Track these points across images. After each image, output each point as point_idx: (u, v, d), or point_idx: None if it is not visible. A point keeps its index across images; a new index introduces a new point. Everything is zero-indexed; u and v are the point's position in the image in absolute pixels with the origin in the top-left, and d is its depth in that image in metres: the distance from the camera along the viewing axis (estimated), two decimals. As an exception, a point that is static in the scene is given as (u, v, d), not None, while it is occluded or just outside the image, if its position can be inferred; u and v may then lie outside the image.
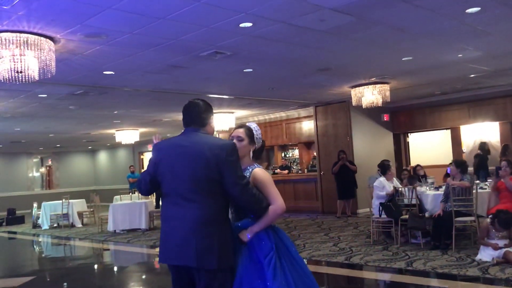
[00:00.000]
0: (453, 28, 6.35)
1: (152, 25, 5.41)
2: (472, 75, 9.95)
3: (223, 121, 12.83)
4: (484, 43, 7.30)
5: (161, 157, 2.87)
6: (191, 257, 2.66)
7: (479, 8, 5.58)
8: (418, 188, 7.91)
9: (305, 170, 14.12)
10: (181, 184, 2.75)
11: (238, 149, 2.89)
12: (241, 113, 13.70)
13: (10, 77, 5.53)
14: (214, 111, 3.06)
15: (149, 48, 6.39)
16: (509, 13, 5.87)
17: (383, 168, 8.41)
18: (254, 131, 3.03)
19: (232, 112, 13.22)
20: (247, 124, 3.09)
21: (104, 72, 7.59)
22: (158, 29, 5.56)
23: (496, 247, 6.05)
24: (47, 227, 14.03)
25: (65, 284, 7.05)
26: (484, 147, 11.56)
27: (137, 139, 16.04)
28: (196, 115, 2.91)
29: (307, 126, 13.92)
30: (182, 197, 2.75)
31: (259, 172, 2.90)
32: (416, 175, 9.21)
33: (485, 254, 6.14)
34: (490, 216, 6.51)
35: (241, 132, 3.00)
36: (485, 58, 8.33)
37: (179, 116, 3.18)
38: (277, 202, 2.85)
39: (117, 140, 16.07)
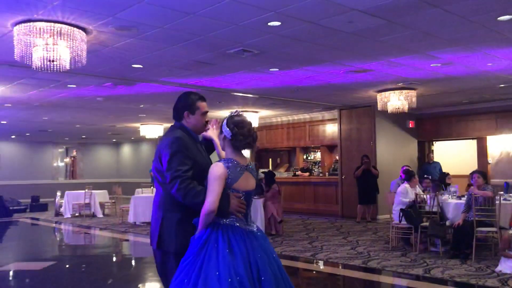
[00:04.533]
0: (484, 35, 6.27)
1: (182, 20, 5.49)
2: (501, 85, 9.79)
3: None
4: (515, 53, 7.19)
5: None
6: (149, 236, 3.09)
7: (511, 17, 5.50)
8: (440, 196, 7.83)
9: (326, 173, 14.06)
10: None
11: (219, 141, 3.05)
12: (265, 113, 13.73)
13: (42, 66, 5.68)
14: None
15: (177, 43, 6.48)
16: (542, 23, 5.76)
17: (408, 175, 8.36)
18: (224, 121, 2.93)
19: (257, 112, 13.26)
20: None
21: (133, 65, 7.72)
22: (187, 24, 5.63)
23: (517, 260, 5.96)
24: (69, 216, 14.30)
25: (83, 270, 7.19)
26: None
27: (161, 133, 16.19)
28: (174, 109, 3.13)
29: (331, 129, 13.87)
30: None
31: (211, 166, 2.83)
32: (442, 183, 9.02)
33: (506, 266, 6.04)
34: (513, 227, 6.42)
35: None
36: (516, 68, 8.19)
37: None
38: (206, 200, 2.71)
39: (142, 134, 16.25)
